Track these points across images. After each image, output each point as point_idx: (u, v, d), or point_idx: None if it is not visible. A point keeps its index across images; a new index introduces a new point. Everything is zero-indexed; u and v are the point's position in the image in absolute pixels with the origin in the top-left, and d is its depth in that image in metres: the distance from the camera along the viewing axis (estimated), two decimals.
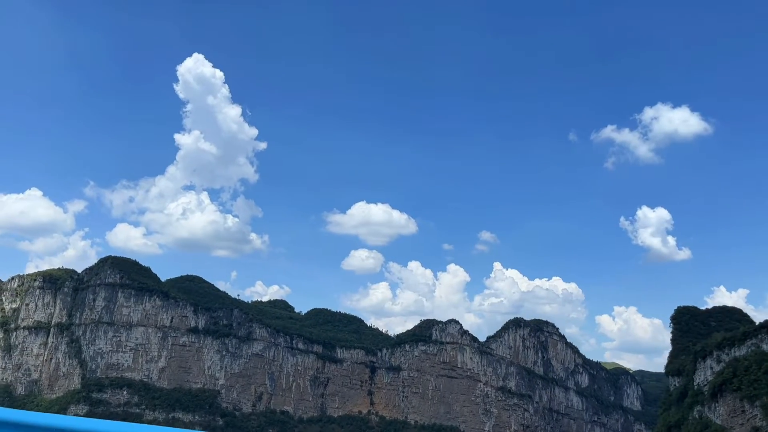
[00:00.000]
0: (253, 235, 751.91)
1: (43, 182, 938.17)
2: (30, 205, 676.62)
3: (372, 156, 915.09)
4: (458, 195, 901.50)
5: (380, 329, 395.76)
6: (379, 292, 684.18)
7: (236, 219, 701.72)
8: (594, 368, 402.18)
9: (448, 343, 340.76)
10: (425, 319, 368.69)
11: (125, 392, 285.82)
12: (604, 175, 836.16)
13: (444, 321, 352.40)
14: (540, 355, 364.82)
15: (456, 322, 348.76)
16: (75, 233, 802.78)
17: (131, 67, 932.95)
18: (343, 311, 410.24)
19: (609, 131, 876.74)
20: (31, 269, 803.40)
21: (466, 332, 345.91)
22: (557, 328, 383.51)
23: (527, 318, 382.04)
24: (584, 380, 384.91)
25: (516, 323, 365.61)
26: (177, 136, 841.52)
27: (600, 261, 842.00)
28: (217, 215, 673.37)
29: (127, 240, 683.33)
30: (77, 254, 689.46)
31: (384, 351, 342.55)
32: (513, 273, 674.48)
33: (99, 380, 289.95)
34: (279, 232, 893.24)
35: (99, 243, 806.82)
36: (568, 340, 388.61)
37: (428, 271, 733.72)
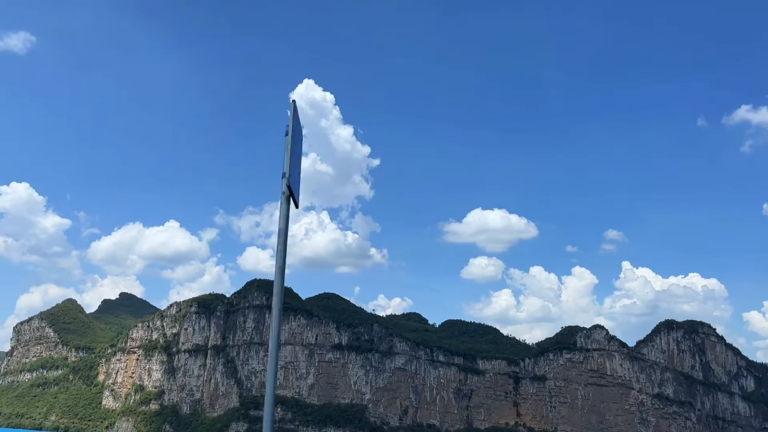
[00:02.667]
0: (373, 250, 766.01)
1: (180, 214, 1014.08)
2: (169, 236, 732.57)
3: (484, 161, 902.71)
4: (579, 193, 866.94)
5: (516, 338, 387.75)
6: (502, 299, 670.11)
7: (356, 235, 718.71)
8: (759, 370, 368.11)
9: (594, 349, 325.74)
10: (567, 326, 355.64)
11: (279, 409, 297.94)
12: (741, 160, 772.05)
13: (588, 327, 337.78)
14: (698, 358, 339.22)
15: (601, 327, 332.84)
16: (210, 259, 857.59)
17: (250, 98, 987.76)
18: (467, 320, 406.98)
19: (743, 112, 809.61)
20: (173, 295, 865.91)
21: (613, 337, 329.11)
22: (714, 329, 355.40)
23: (679, 319, 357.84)
24: (750, 384, 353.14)
25: (668, 325, 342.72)
26: None
27: (743, 253, 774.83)
28: (337, 233, 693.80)
29: (257, 263, 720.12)
30: (213, 279, 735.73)
31: (527, 360, 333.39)
32: (644, 272, 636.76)
33: (255, 398, 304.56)
34: (397, 245, 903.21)
35: (231, 267, 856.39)
36: (727, 342, 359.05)
37: (552, 276, 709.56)
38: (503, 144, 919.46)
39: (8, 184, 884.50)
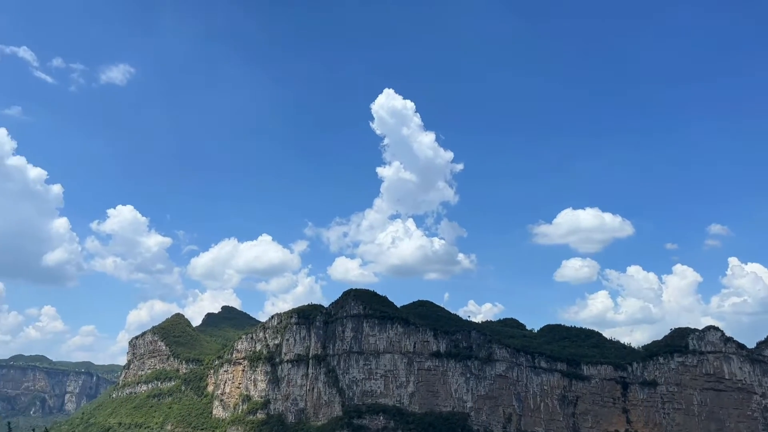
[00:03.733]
0: (461, 256, 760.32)
1: (271, 228, 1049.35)
2: (263, 250, 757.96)
3: (573, 160, 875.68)
4: (677, 188, 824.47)
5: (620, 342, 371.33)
6: (599, 301, 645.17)
7: (442, 241, 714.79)
8: None
9: (709, 352, 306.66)
10: (676, 327, 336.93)
11: (381, 418, 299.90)
12: None
13: (699, 328, 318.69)
14: None
15: (716, 328, 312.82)
16: (301, 271, 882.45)
17: (333, 113, 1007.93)
18: (567, 325, 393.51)
19: None
20: (268, 307, 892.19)
21: (729, 339, 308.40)
22: None
23: None
24: None
25: None
26: (379, 170, 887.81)
27: None
28: (424, 240, 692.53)
29: (346, 272, 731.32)
30: (305, 290, 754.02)
31: (634, 365, 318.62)
32: (755, 267, 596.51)
33: (357, 407, 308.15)
34: (486, 249, 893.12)
35: (322, 277, 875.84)
36: None
37: (651, 275, 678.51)
38: (593, 142, 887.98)
39: (115, 207, 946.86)
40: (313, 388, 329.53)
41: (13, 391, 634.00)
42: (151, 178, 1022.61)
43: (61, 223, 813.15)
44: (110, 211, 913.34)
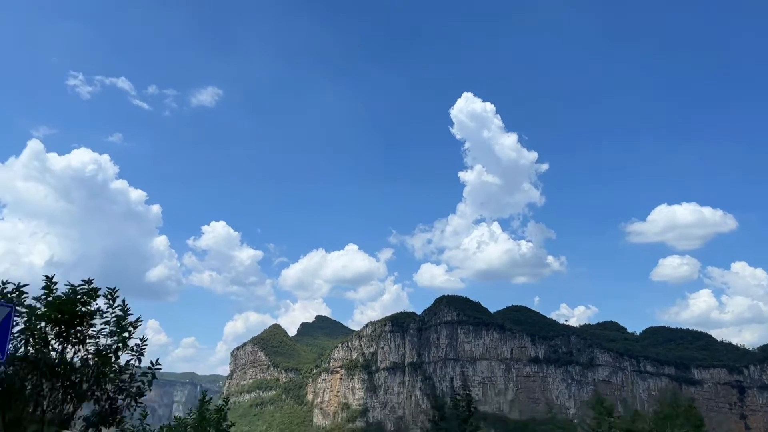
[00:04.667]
0: (550, 258, 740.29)
1: (357, 237, 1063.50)
2: (350, 259, 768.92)
3: (665, 154, 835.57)
4: None
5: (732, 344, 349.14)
6: (701, 301, 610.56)
7: (530, 244, 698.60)
8: None
9: None
10: None
11: (482, 425, 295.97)
12: None
13: None
14: None
15: None
16: (387, 279, 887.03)
17: (413, 120, 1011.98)
18: (671, 326, 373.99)
19: None
20: (357, 315, 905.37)
21: None
22: None
23: None
24: None
25: None
26: (461, 174, 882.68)
27: None
28: (510, 243, 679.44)
29: (432, 279, 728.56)
30: (392, 297, 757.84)
31: (751, 368, 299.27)
32: None
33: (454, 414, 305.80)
34: (576, 251, 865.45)
35: (408, 284, 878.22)
36: None
37: (759, 271, 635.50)
38: (685, 135, 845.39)
39: (209, 224, 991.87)
40: (410, 396, 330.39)
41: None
42: (241, 194, 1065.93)
43: (161, 241, 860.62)
44: (205, 228, 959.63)
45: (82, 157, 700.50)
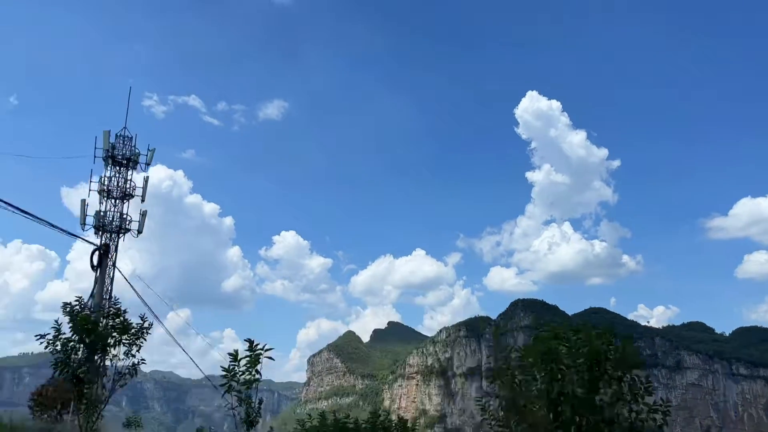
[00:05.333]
0: (626, 257, 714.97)
1: (425, 242, 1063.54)
2: (417, 265, 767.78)
3: (745, 144, 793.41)
4: None
5: None
6: None
7: (604, 244, 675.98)
8: None
9: None
10: None
11: None
12: None
13: None
14: None
15: None
16: (456, 283, 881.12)
17: (477, 122, 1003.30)
18: (757, 326, 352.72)
19: None
20: (427, 320, 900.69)
21: None
22: None
23: None
24: None
25: None
26: (528, 175, 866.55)
27: None
28: (583, 243, 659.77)
29: (502, 282, 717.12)
30: (462, 302, 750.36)
31: None
32: None
33: None
34: (653, 249, 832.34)
35: (478, 288, 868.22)
36: None
37: None
38: (765, 122, 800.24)
39: (279, 234, 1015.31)
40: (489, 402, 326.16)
41: (207, 408, 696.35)
42: (310, 203, 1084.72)
43: (234, 252, 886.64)
44: (275, 238, 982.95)
45: (158, 174, 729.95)
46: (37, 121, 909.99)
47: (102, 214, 34.36)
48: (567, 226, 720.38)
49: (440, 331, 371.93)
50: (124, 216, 35.03)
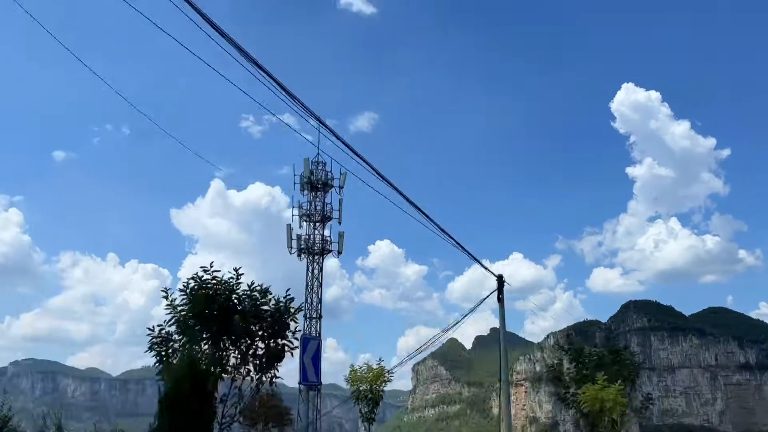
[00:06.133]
0: (742, 252, 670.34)
1: (521, 246, 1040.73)
2: (515, 269, 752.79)
3: None
4: None
5: None
6: None
7: (716, 238, 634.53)
8: None
9: None
10: None
11: None
12: None
13: None
14: None
15: None
16: (557, 286, 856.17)
17: (570, 122, 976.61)
18: None
19: None
20: (528, 325, 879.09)
21: None
22: None
23: None
24: None
25: None
26: (629, 170, 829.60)
27: None
28: (693, 239, 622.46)
29: (607, 283, 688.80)
30: (564, 305, 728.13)
31: None
32: None
33: (658, 428, 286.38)
34: None
35: (581, 291, 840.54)
36: None
37: None
38: None
39: (374, 243, 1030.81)
40: None
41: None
42: (402, 212, 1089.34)
43: (332, 263, 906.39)
44: (371, 247, 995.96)
45: (257, 191, 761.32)
46: (148, 148, 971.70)
47: (306, 237, 36.97)
48: (674, 222, 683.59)
49: (547, 336, 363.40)
50: (326, 238, 37.50)
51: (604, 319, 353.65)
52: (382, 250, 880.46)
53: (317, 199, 38.30)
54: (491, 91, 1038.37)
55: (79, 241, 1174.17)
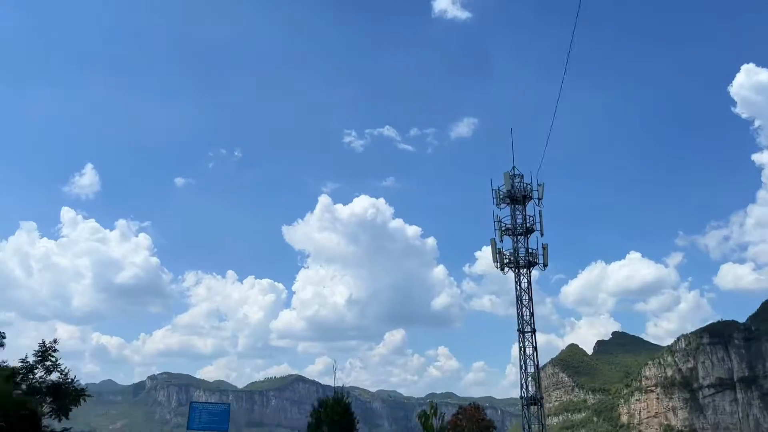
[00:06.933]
0: None
1: (639, 244, 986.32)
2: (633, 269, 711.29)
3: None
4: None
5: None
6: None
7: None
8: None
9: None
10: None
11: None
12: None
13: None
14: None
15: None
16: (681, 285, 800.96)
17: (686, 110, 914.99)
18: None
19: None
20: (650, 328, 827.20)
21: None
22: None
23: None
24: None
25: None
26: (755, 157, 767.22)
27: None
28: None
29: (737, 280, 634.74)
30: (690, 305, 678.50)
31: None
32: None
33: None
34: None
35: (707, 289, 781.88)
36: None
37: None
38: None
39: (480, 249, 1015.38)
40: (747, 416, 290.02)
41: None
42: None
43: (439, 271, 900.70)
44: (477, 253, 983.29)
45: (362, 204, 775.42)
46: (258, 169, 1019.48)
47: (512, 251, 36.19)
48: None
49: (678, 338, 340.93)
50: (531, 251, 36.64)
51: (741, 319, 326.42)
52: (488, 255, 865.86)
53: (517, 212, 37.71)
54: (598, 87, 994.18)
55: (201, 261, 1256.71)
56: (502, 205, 37.35)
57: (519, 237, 35.72)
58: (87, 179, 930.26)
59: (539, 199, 36.31)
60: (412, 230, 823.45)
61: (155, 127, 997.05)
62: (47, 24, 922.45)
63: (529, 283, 34.43)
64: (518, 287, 28.99)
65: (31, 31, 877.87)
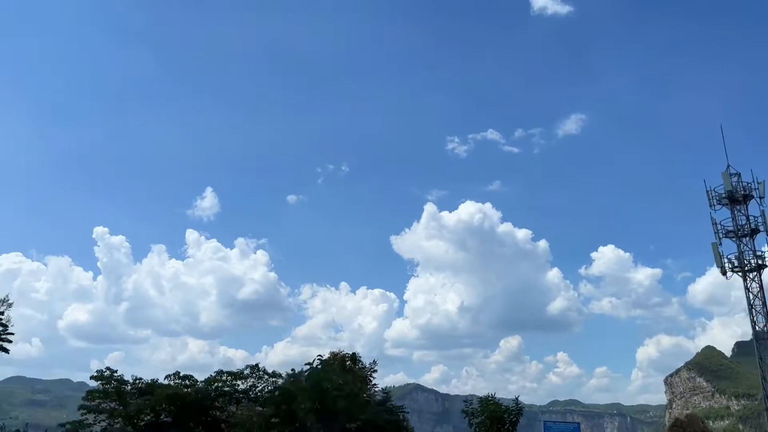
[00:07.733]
0: None
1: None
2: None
3: None
4: None
5: None
6: None
7: None
8: None
9: None
10: None
11: None
12: None
13: None
14: None
15: None
16: None
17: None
18: None
19: None
20: None
21: None
22: None
23: None
24: None
25: None
26: None
27: None
28: None
29: None
30: None
31: None
32: None
33: None
34: None
35: None
36: None
37: None
38: None
39: (597, 250, 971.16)
40: None
41: None
42: (625, 213, 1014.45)
43: (554, 274, 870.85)
44: (593, 254, 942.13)
45: (468, 210, 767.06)
46: (364, 182, 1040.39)
47: (739, 254, 36.04)
48: None
49: None
50: (759, 253, 36.30)
51: None
52: (606, 256, 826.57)
53: (739, 213, 37.63)
54: (711, 74, 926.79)
55: (315, 274, 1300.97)
56: (717, 207, 36.41)
57: (743, 239, 34.96)
58: (207, 202, 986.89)
59: (761, 197, 35.33)
60: (522, 234, 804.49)
61: (265, 146, 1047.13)
62: (166, 56, 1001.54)
63: (761, 287, 33.48)
64: (748, 293, 28.48)
65: (154, 64, 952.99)
